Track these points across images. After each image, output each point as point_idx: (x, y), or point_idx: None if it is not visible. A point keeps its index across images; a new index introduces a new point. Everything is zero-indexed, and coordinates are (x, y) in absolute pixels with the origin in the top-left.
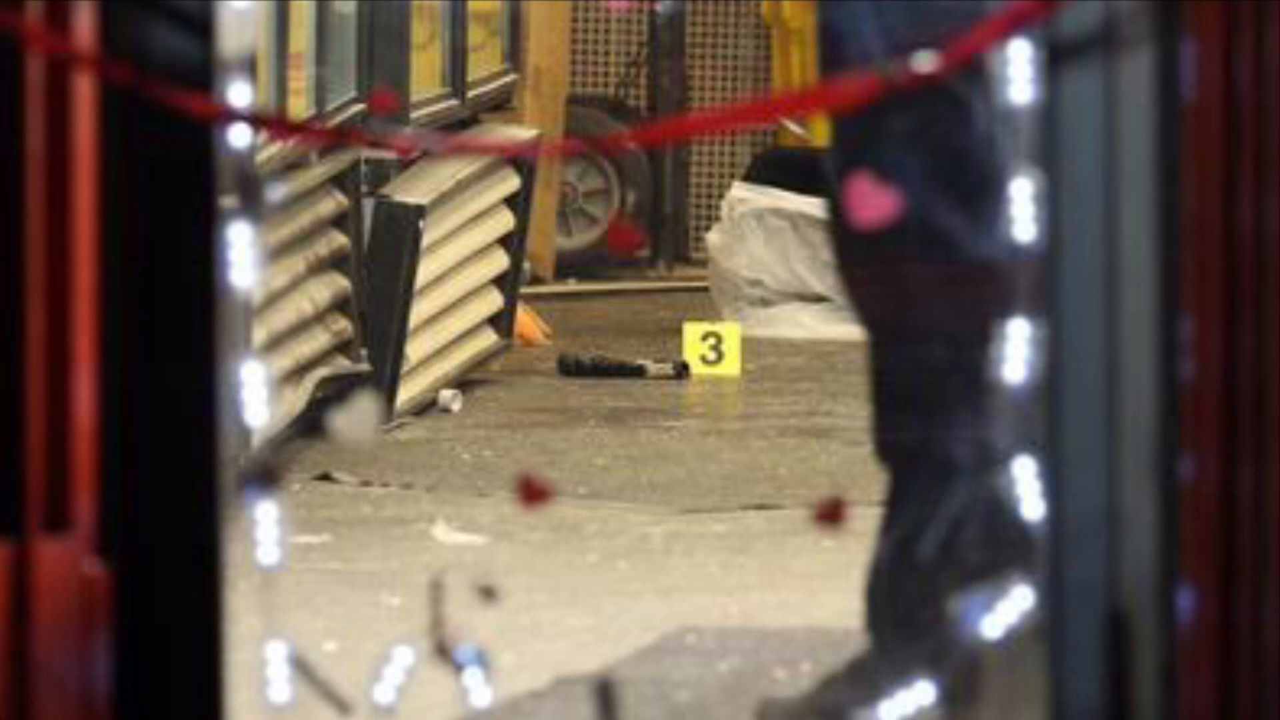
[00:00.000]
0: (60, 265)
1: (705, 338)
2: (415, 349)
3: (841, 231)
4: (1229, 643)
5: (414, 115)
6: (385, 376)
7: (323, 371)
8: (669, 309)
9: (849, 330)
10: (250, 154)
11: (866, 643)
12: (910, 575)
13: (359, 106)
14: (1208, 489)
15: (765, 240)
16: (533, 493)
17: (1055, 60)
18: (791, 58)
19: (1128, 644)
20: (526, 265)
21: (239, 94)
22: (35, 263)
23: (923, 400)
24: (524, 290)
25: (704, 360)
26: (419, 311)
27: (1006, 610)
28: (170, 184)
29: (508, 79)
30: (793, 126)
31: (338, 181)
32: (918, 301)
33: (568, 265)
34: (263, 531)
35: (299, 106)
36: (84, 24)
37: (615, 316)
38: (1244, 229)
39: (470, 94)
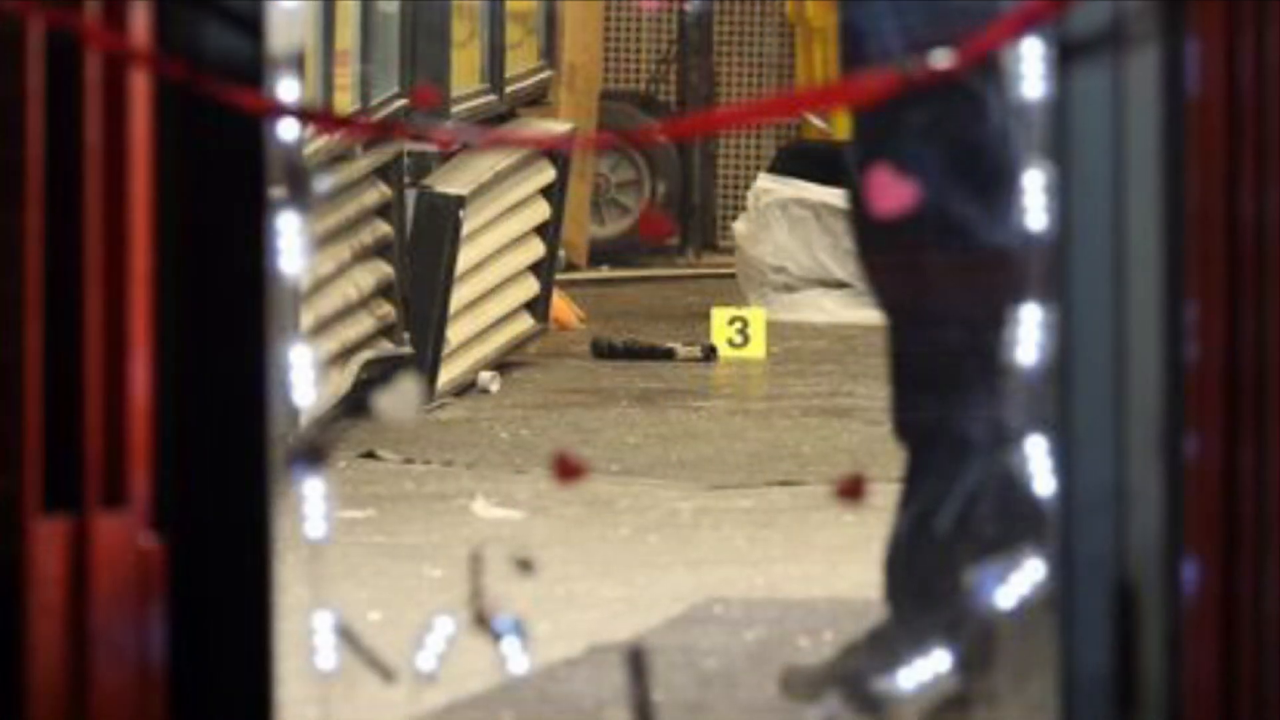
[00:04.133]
0: (117, 253)
1: (732, 322)
2: (455, 333)
3: (862, 220)
4: (1231, 613)
5: (454, 110)
6: (427, 359)
7: (367, 354)
8: (697, 294)
9: (869, 315)
10: (298, 147)
11: (886, 613)
12: (928, 548)
13: (402, 101)
14: (1211, 466)
15: (789, 229)
16: (568, 469)
17: (1066, 57)
18: (814, 55)
19: (1135, 614)
20: (562, 253)
21: (287, 89)
22: (94, 251)
23: (940, 381)
24: (559, 276)
25: (731, 343)
26: (459, 297)
27: (1019, 582)
28: (222, 175)
29: (544, 75)
30: (816, 120)
31: (382, 173)
32: (935, 287)
33: (601, 253)
34: (310, 506)
35: (345, 101)
36: (140, 23)
37: (646, 302)
38: (1245, 219)
39: (508, 90)
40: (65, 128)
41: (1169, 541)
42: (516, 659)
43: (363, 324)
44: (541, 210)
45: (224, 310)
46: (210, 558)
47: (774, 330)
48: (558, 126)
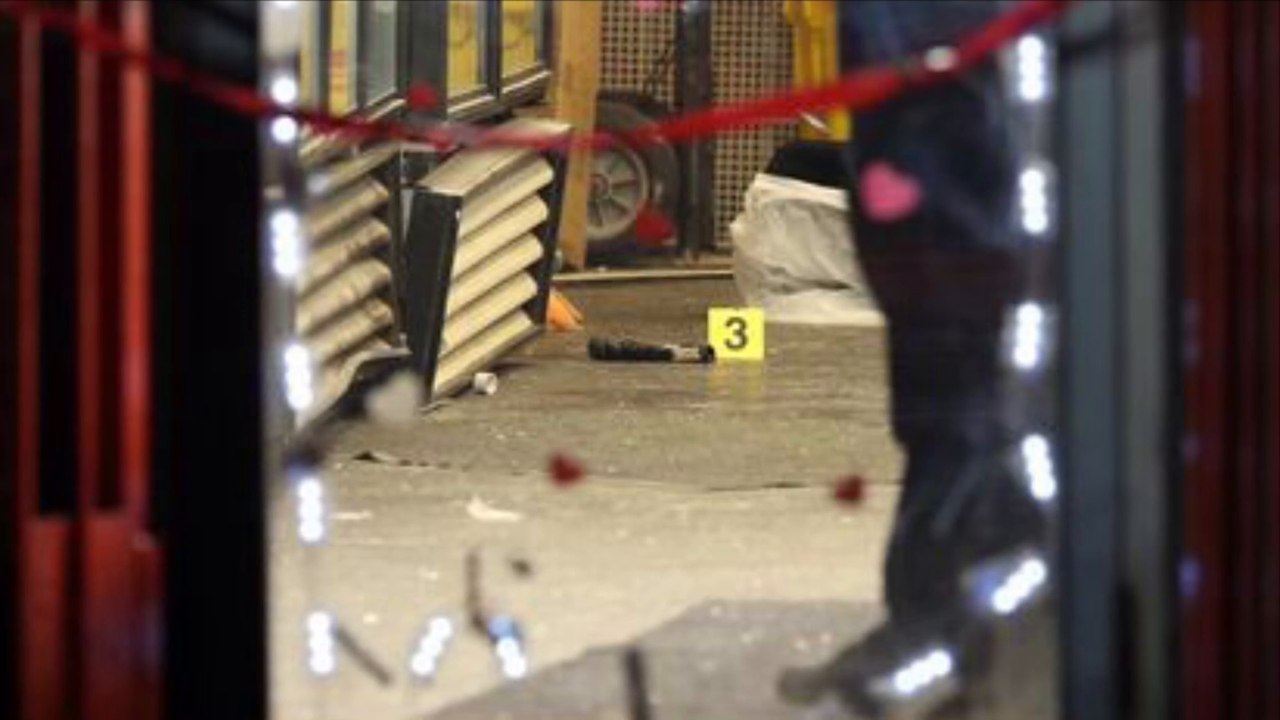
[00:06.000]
0: (113, 254)
1: (730, 323)
2: (452, 334)
3: (860, 221)
4: (1231, 615)
5: (451, 110)
6: (423, 360)
7: (363, 355)
8: (695, 296)
9: (867, 316)
10: (294, 147)
11: (884, 615)
12: (926, 551)
13: (398, 102)
14: (1211, 468)
15: (787, 230)
16: (565, 472)
17: (1065, 57)
18: (812, 55)
19: (1134, 616)
20: (559, 254)
21: (283, 90)
22: (88, 251)
23: (938, 382)
24: (556, 278)
25: (728, 345)
26: (456, 298)
27: (1018, 584)
28: (218, 176)
29: (541, 75)
30: (814, 121)
31: (378, 173)
32: (933, 288)
33: (598, 254)
34: (306, 508)
35: (341, 102)
36: (135, 23)
37: (644, 303)
38: (1245, 219)
39: (505, 90)
40: (60, 128)
41: (1169, 543)
42: (513, 661)
43: (359, 325)
44: (539, 211)
45: (219, 311)
46: (206, 560)
47: (772, 331)
48: (555, 127)
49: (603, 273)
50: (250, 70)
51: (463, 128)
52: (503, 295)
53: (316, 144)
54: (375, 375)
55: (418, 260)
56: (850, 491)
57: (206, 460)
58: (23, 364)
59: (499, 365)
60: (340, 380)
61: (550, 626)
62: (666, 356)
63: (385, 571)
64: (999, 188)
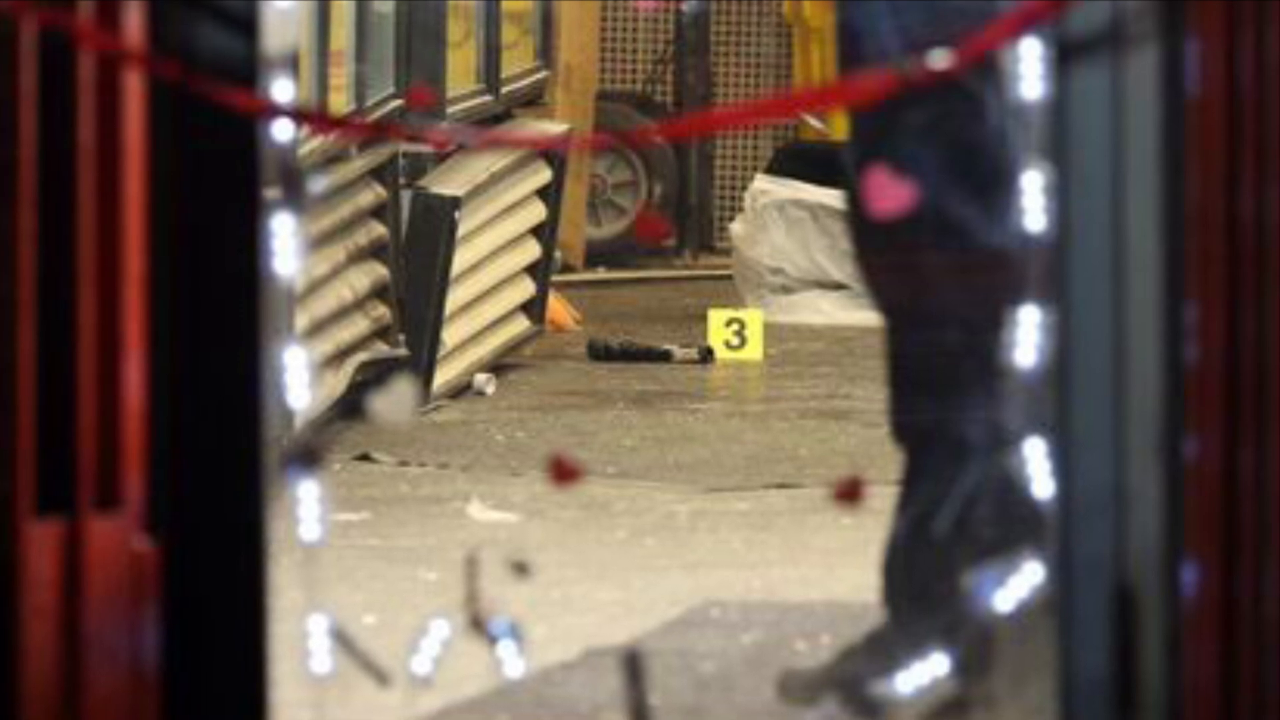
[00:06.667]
0: (111, 254)
1: (729, 324)
2: (451, 334)
3: (860, 221)
4: (1231, 615)
5: (450, 110)
6: (422, 361)
7: (362, 356)
8: (694, 296)
9: (867, 316)
10: (293, 147)
11: (884, 616)
12: (926, 551)
13: (397, 102)
14: (1211, 468)
15: (786, 230)
16: (564, 472)
17: (1065, 57)
18: (812, 55)
19: (1134, 617)
20: (558, 254)
21: (282, 90)
22: (87, 251)
23: (938, 383)
24: (555, 278)
25: (728, 345)
26: (455, 298)
27: (1018, 584)
28: (216, 176)
29: (539, 75)
30: (813, 121)
31: (377, 174)
32: (933, 288)
33: (597, 254)
34: (304, 509)
35: (339, 102)
36: (134, 23)
37: (643, 303)
38: (1245, 219)
39: (504, 90)
40: (59, 128)
41: (1169, 543)
42: (512, 662)
43: (358, 326)
44: (537, 211)
45: (218, 312)
46: (204, 560)
47: (771, 332)
48: (554, 127)
49: (602, 273)
50: (248, 70)
51: (461, 128)
52: (501, 296)
53: (315, 144)
54: (374, 376)
55: (416, 261)
56: (850, 492)
57: (205, 461)
58: (21, 364)
59: (498, 366)
60: (339, 381)
61: (549, 627)
62: (666, 357)
63: (384, 572)
64: (999, 188)
